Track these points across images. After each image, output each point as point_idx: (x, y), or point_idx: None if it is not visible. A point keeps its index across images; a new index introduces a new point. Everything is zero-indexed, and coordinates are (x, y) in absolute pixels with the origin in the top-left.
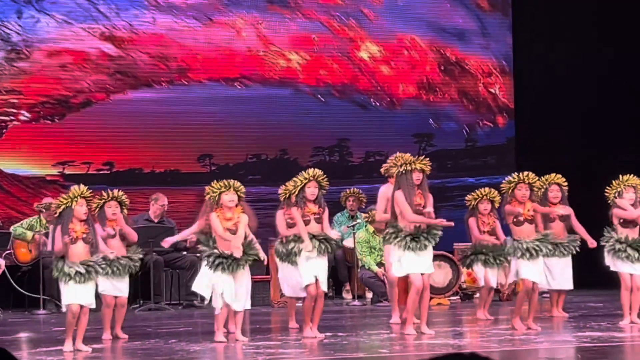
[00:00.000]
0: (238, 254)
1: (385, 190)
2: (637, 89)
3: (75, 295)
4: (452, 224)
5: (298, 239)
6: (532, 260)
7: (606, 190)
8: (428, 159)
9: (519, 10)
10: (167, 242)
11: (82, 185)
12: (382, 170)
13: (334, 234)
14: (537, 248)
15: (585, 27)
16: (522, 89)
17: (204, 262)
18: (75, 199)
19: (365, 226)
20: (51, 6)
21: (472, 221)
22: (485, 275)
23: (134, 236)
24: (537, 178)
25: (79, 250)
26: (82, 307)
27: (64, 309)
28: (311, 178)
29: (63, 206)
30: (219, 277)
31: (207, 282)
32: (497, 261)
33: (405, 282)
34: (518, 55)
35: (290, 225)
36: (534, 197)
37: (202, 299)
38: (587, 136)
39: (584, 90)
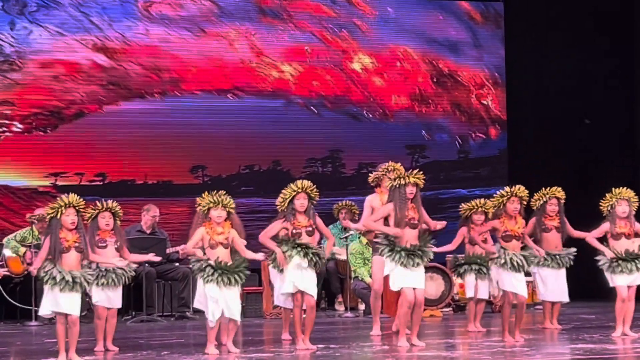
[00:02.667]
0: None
1: (371, 199)
2: (631, 97)
3: (57, 303)
4: (444, 224)
5: (292, 245)
6: (514, 273)
7: (600, 202)
8: (421, 172)
9: (511, 22)
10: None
11: (72, 195)
12: (369, 179)
13: (336, 249)
14: (520, 262)
15: (577, 39)
16: (514, 101)
17: (198, 277)
18: (61, 208)
19: (359, 238)
20: (44, 17)
21: (462, 230)
22: (476, 286)
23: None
24: (528, 191)
25: (70, 259)
26: (67, 316)
27: (40, 312)
28: (300, 190)
29: (49, 216)
30: (214, 290)
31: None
32: (489, 272)
33: (395, 294)
34: (510, 67)
35: (294, 235)
36: (522, 211)
37: (195, 310)
38: (579, 148)
39: (576, 102)
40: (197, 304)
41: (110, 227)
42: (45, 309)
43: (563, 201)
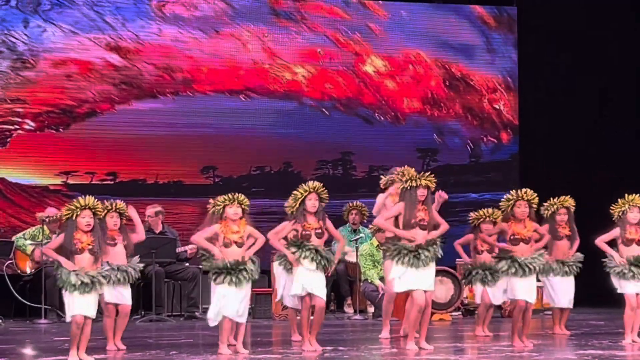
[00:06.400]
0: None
1: (382, 197)
2: None
3: (79, 306)
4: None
5: (301, 246)
6: (524, 279)
7: (611, 207)
8: (433, 174)
9: (524, 26)
10: None
11: (88, 197)
12: (382, 182)
13: (346, 248)
14: (529, 266)
15: (589, 43)
16: (526, 106)
17: (211, 279)
18: (77, 210)
19: (370, 240)
20: (57, 16)
21: (469, 235)
22: (483, 292)
23: (141, 236)
24: (538, 195)
25: (83, 261)
26: (85, 317)
27: (67, 319)
28: (311, 190)
29: (65, 217)
30: (224, 289)
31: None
32: (495, 278)
33: (404, 297)
34: (523, 71)
35: (303, 237)
36: (532, 215)
37: (204, 311)
38: (591, 153)
39: (588, 107)
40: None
41: (118, 226)
42: (73, 311)
43: (573, 209)
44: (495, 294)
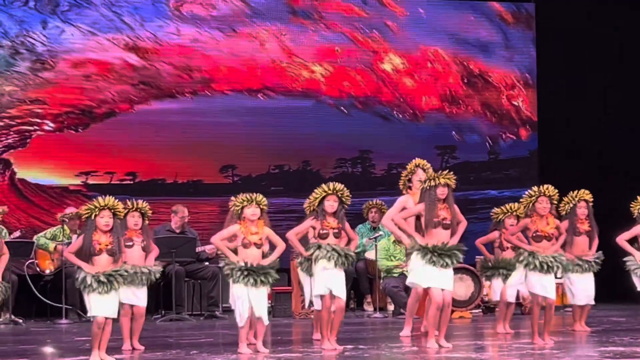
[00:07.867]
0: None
1: (404, 200)
2: None
3: (99, 306)
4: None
5: (319, 247)
6: (542, 275)
7: (631, 205)
8: (452, 172)
9: (543, 22)
10: None
11: (108, 197)
12: (400, 184)
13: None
14: (550, 264)
15: (608, 39)
16: (545, 102)
17: (229, 278)
18: (95, 210)
19: (388, 236)
20: (76, 17)
21: (494, 233)
22: (503, 290)
23: (154, 254)
24: (558, 191)
25: (102, 261)
26: (106, 318)
27: (90, 316)
28: (331, 192)
29: (84, 217)
30: (241, 289)
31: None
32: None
33: (425, 295)
34: (541, 68)
35: (321, 236)
36: (553, 211)
37: (224, 310)
38: (610, 149)
39: (607, 103)
40: (231, 302)
41: (139, 226)
42: (93, 311)
43: (591, 204)
44: (510, 291)
